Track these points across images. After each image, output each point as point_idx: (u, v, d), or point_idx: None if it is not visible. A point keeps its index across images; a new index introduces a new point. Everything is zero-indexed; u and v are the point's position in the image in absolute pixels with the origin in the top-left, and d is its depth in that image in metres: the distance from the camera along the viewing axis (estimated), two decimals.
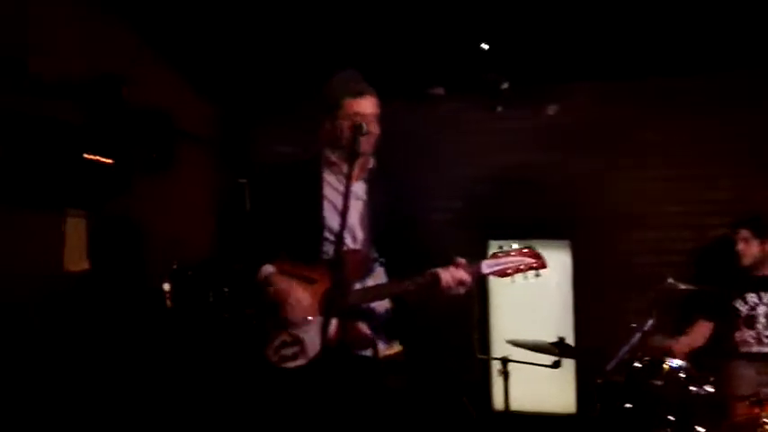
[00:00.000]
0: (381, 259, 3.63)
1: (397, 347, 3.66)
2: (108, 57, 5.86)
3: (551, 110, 6.68)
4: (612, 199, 6.57)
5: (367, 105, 3.58)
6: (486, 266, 3.51)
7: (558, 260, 6.65)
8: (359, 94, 3.57)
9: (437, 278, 3.43)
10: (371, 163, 3.68)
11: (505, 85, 6.49)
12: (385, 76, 3.68)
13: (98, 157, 5.59)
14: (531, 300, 6.47)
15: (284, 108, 7.15)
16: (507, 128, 6.81)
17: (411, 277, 3.49)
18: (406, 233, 3.61)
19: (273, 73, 6.88)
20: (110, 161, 5.62)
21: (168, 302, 5.61)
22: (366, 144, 3.54)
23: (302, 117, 6.70)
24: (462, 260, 3.46)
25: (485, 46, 6.07)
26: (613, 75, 6.52)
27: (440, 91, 6.73)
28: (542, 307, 6.64)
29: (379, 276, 3.61)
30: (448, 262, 3.48)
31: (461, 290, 3.46)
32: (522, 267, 3.51)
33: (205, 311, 5.71)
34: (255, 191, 3.91)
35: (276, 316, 3.50)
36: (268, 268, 3.56)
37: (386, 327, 3.63)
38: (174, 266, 5.80)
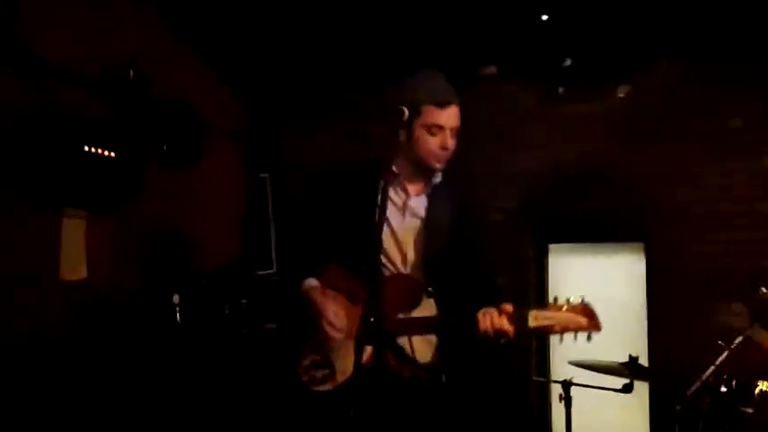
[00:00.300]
0: (430, 290, 3.62)
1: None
2: (124, 43, 5.89)
3: (622, 91, 6.47)
4: (695, 195, 6.33)
5: (449, 118, 3.53)
6: (533, 318, 3.42)
7: (630, 266, 6.54)
8: (443, 103, 3.51)
9: (475, 323, 3.40)
10: (438, 177, 3.67)
11: (568, 63, 6.37)
12: (428, 54, 3.46)
13: (103, 151, 5.49)
14: (599, 311, 6.07)
15: (315, 102, 7.23)
16: (570, 113, 6.64)
17: (450, 317, 3.52)
18: (463, 261, 3.61)
19: (305, 64, 6.90)
20: (113, 155, 5.49)
21: (178, 316, 5.52)
22: (437, 159, 3.56)
23: (334, 111, 6.78)
24: (509, 306, 3.40)
25: (544, 17, 5.96)
26: (698, 52, 6.25)
27: (491, 70, 6.65)
28: (611, 321, 6.22)
29: (427, 308, 3.59)
30: (496, 299, 3.48)
31: (501, 340, 3.43)
32: (571, 326, 3.43)
33: (220, 326, 5.71)
34: (309, 195, 3.99)
35: (310, 333, 3.56)
36: (311, 282, 3.62)
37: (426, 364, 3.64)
38: (186, 274, 5.84)
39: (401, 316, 3.50)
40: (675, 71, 6.41)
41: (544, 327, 3.41)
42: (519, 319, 3.40)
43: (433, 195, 3.67)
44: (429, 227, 3.63)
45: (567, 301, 3.45)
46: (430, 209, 3.65)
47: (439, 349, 3.64)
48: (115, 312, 5.51)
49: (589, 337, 3.44)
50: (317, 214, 3.72)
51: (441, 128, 3.49)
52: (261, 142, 7.25)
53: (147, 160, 5.91)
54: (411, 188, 3.64)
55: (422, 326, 3.53)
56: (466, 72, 6.38)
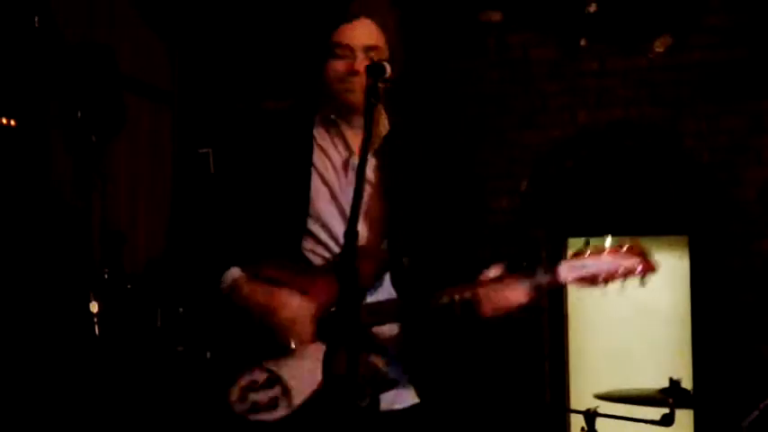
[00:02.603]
0: (404, 259, 3.55)
1: (412, 397, 3.59)
2: None
3: (661, 44, 6.53)
4: (758, 176, 6.44)
5: (356, 33, 3.49)
6: (568, 269, 3.36)
7: (671, 266, 6.49)
8: (349, 17, 3.50)
9: (476, 304, 3.35)
10: (384, 127, 3.61)
11: (593, 7, 6.42)
12: None
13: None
14: (631, 324, 6.33)
15: (267, 52, 7.16)
16: (595, 72, 6.72)
17: (437, 295, 3.39)
18: (436, 231, 3.61)
19: (257, 6, 6.97)
20: (12, 123, 5.54)
21: (97, 329, 5.48)
22: (345, 87, 3.49)
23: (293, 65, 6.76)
24: (498, 268, 3.39)
25: None
26: None
27: (496, 16, 6.67)
28: (647, 336, 6.51)
29: (387, 287, 3.56)
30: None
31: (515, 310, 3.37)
32: (619, 272, 3.35)
33: (150, 342, 5.70)
34: (220, 158, 3.87)
35: (246, 342, 3.46)
36: (233, 272, 3.50)
37: (398, 362, 3.57)
38: (106, 276, 5.72)
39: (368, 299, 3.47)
40: (729, 16, 6.46)
41: (584, 277, 3.36)
42: (544, 278, 3.34)
43: (385, 151, 3.62)
44: (385, 192, 3.59)
45: (605, 243, 3.37)
46: (382, 168, 3.61)
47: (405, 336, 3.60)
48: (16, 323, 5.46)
49: (642, 282, 3.35)
50: (236, 180, 3.66)
51: (347, 47, 3.47)
52: (196, 104, 7.20)
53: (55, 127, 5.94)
54: (354, 142, 3.59)
55: (397, 312, 3.48)
56: (463, 19, 6.52)
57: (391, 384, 3.48)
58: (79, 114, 5.99)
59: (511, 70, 6.83)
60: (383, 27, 3.52)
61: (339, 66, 3.46)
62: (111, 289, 5.71)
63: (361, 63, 3.43)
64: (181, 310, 5.67)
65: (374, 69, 3.27)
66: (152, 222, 6.96)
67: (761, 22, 6.36)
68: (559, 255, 6.21)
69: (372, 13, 3.51)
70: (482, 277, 3.38)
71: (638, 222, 6.41)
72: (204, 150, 6.28)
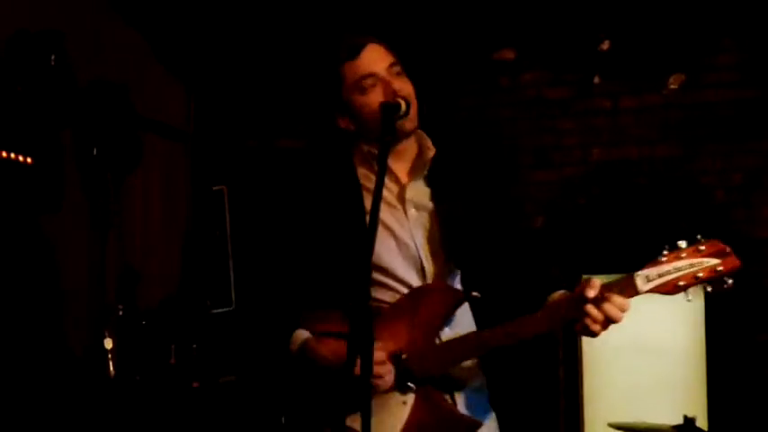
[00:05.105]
0: (474, 294, 3.37)
1: None
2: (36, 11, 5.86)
3: (674, 82, 6.54)
4: None
5: (372, 59, 3.34)
6: (646, 280, 3.18)
7: (686, 303, 6.27)
8: (356, 48, 3.34)
9: (579, 315, 3.12)
10: (430, 149, 3.45)
11: (606, 45, 6.44)
12: (428, 35, 3.48)
13: (17, 156, 5.52)
14: (645, 360, 6.18)
15: (282, 93, 7.15)
16: (609, 110, 6.74)
17: (529, 317, 3.21)
18: (501, 250, 3.41)
19: (273, 45, 6.94)
20: (29, 161, 5.52)
21: (111, 368, 5.43)
22: (401, 119, 3.29)
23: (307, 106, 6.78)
24: (597, 281, 3.13)
25: None
26: None
27: (509, 54, 6.70)
28: (662, 374, 6.35)
29: (463, 321, 3.40)
30: (562, 283, 3.32)
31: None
32: (701, 274, 3.17)
33: (164, 379, 5.63)
34: (258, 203, 3.72)
35: (322, 399, 3.35)
36: (301, 334, 3.40)
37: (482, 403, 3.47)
38: (120, 313, 5.67)
39: (443, 336, 3.34)
40: (744, 54, 6.49)
41: (666, 285, 3.18)
42: (627, 288, 3.14)
43: (436, 176, 3.46)
44: (444, 219, 3.42)
45: (680, 246, 3.25)
46: (437, 194, 3.44)
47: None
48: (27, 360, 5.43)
49: (726, 281, 3.15)
50: (284, 227, 3.56)
51: (373, 75, 3.32)
52: (213, 143, 7.21)
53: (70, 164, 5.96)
54: (401, 172, 3.45)
55: (481, 344, 3.30)
56: (475, 58, 6.55)
57: (474, 427, 3.34)
58: (95, 152, 6.03)
59: (524, 108, 6.84)
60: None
61: (375, 97, 3.31)
62: (126, 326, 5.69)
63: (397, 83, 3.31)
64: (194, 346, 5.65)
65: (388, 108, 3.19)
66: (166, 259, 6.96)
67: None
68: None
69: (370, 37, 3.38)
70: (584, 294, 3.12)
71: (651, 260, 6.32)
72: (218, 188, 6.26)
